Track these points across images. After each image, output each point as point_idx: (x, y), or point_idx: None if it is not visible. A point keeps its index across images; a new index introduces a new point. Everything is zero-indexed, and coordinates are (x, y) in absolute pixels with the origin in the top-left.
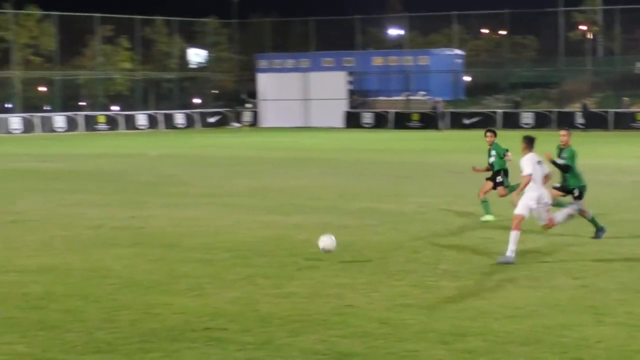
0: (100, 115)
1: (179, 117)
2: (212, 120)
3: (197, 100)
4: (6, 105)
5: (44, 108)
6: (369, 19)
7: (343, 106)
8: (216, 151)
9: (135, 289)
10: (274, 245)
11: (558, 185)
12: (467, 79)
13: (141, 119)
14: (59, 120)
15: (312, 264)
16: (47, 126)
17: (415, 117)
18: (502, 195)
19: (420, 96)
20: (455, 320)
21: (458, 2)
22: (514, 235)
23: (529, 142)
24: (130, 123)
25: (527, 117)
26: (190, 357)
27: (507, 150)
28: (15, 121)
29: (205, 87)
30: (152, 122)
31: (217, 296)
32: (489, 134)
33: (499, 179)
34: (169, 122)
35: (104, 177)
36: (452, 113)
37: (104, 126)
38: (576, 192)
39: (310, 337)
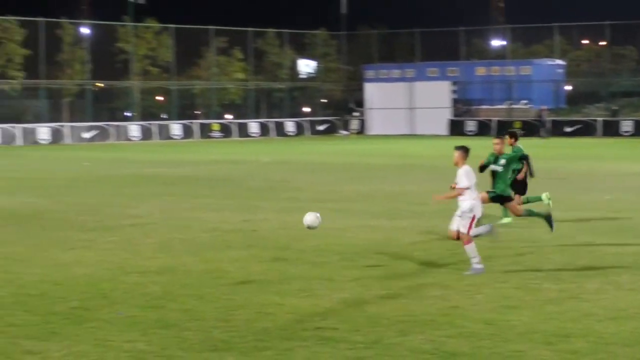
0: (215, 124)
1: (290, 125)
2: (321, 128)
3: (306, 109)
4: (126, 114)
5: (161, 116)
6: (472, 31)
7: (447, 114)
8: (325, 158)
9: (249, 289)
10: (382, 249)
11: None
12: (568, 88)
13: (253, 126)
14: (176, 128)
15: (418, 267)
16: (164, 134)
17: (518, 124)
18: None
19: (522, 105)
20: (558, 322)
21: (559, 14)
22: (469, 248)
23: (465, 152)
24: (243, 131)
25: (626, 125)
26: (302, 355)
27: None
28: (134, 129)
29: (315, 96)
30: (264, 129)
31: (328, 297)
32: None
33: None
34: (280, 130)
35: (218, 183)
36: (553, 121)
37: (218, 134)
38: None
39: (418, 337)
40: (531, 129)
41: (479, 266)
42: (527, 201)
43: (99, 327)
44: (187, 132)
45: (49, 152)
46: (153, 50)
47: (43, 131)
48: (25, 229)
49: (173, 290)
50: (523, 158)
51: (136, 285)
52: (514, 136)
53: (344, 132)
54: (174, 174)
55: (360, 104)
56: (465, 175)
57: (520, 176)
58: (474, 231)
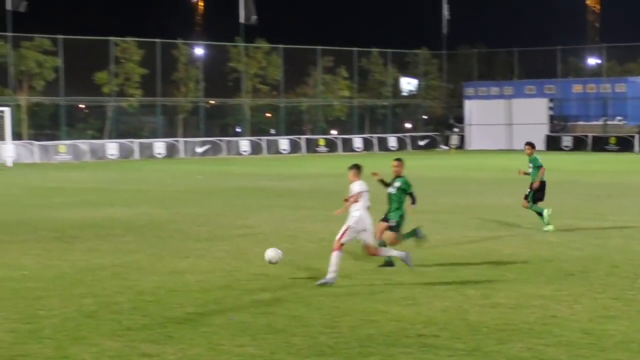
0: (321, 139)
1: (392, 140)
2: (422, 143)
3: (408, 125)
4: (237, 129)
5: (270, 132)
6: (569, 50)
7: (544, 130)
8: (426, 172)
9: (354, 297)
10: (482, 259)
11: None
12: None
13: (357, 142)
14: (284, 143)
15: (517, 277)
16: (273, 148)
17: (613, 140)
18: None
19: (617, 121)
20: None
21: None
22: (334, 256)
23: (358, 170)
24: (348, 146)
25: None
26: None
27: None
28: (244, 144)
29: (416, 112)
30: (367, 144)
31: (429, 305)
32: (526, 146)
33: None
34: (383, 145)
35: (323, 195)
36: None
37: (323, 148)
38: (393, 223)
39: (517, 345)
40: (625, 144)
41: (331, 276)
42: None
43: (212, 331)
44: (295, 147)
45: (165, 166)
46: (263, 69)
47: (159, 146)
48: (143, 238)
49: (281, 297)
50: (409, 193)
51: (246, 292)
52: (533, 147)
53: (444, 147)
54: (282, 187)
55: (460, 120)
56: (358, 186)
57: (535, 185)
58: (386, 251)
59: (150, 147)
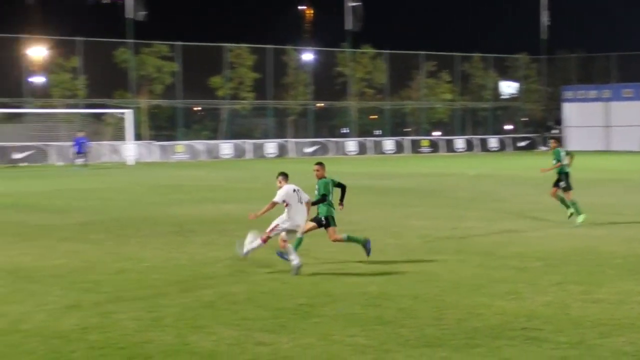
0: (424, 140)
1: (493, 142)
2: (522, 144)
3: (508, 127)
4: (343, 131)
5: (375, 133)
6: None
7: None
8: (526, 172)
9: (460, 291)
10: (582, 256)
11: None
12: None
13: (459, 143)
14: (388, 143)
15: (617, 273)
16: (378, 149)
17: None
18: (552, 195)
19: None
20: None
21: None
22: (288, 248)
23: (284, 177)
24: (450, 146)
25: None
26: (510, 353)
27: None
28: (351, 144)
29: (516, 115)
30: (469, 145)
31: (532, 300)
32: (552, 140)
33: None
34: (484, 146)
35: (427, 193)
36: None
37: (426, 149)
38: (323, 220)
39: (620, 339)
40: None
41: (296, 261)
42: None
43: (323, 322)
44: (399, 148)
45: (275, 165)
46: (369, 74)
47: (270, 146)
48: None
49: (389, 290)
50: (337, 185)
51: (355, 285)
52: (558, 141)
53: (544, 148)
54: (387, 186)
55: (558, 122)
56: (280, 193)
57: (543, 170)
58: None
59: (262, 147)
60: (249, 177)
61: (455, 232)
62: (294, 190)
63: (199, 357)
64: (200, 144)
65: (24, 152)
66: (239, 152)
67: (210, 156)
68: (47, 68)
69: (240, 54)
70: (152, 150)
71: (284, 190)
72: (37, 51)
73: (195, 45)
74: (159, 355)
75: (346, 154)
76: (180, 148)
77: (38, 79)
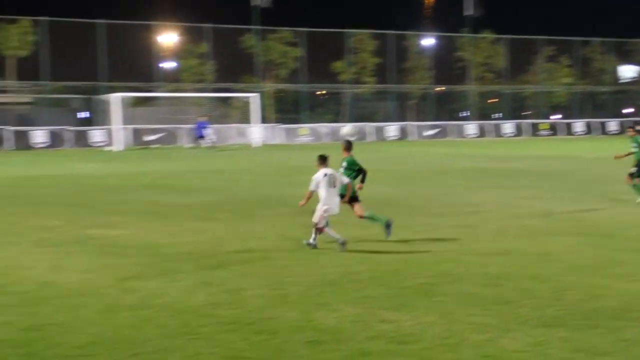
0: (543, 123)
1: (612, 125)
2: None
3: (628, 110)
4: (462, 114)
5: (494, 116)
6: None
7: None
8: None
9: (579, 272)
10: None
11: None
12: None
13: (578, 126)
14: (507, 126)
15: None
16: (497, 132)
17: None
18: (626, 182)
19: None
20: None
21: None
22: (327, 232)
23: (321, 161)
24: (569, 129)
25: None
26: (631, 334)
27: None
28: (470, 127)
29: (636, 98)
30: (588, 129)
31: None
32: (630, 129)
33: (632, 169)
34: (603, 129)
35: (546, 176)
36: None
37: (545, 132)
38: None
39: None
40: None
41: (341, 239)
42: None
43: (444, 301)
44: (518, 131)
45: (396, 148)
46: (488, 58)
47: (391, 129)
48: (379, 213)
49: (509, 270)
50: (360, 170)
51: (476, 265)
52: (636, 130)
53: None
54: (506, 168)
55: None
56: (311, 182)
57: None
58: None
59: (383, 130)
60: (371, 159)
61: (575, 214)
62: (325, 175)
63: (322, 333)
64: (323, 127)
65: (155, 134)
66: (361, 135)
67: (333, 138)
68: (177, 54)
69: (362, 40)
70: (277, 133)
71: (315, 178)
72: (168, 37)
73: (318, 31)
74: (285, 331)
75: (465, 137)
76: (304, 131)
77: (169, 64)
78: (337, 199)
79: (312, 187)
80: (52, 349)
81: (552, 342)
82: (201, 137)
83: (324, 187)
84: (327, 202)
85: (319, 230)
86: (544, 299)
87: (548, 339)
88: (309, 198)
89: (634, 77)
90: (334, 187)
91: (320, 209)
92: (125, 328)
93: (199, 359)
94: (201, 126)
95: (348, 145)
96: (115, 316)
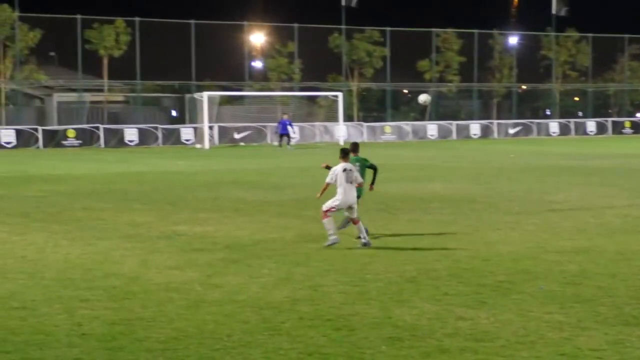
0: (627, 121)
1: None
2: None
3: None
4: (546, 112)
5: (578, 114)
6: None
7: None
8: None
9: None
10: None
11: None
12: None
13: None
14: (590, 125)
15: None
16: (580, 130)
17: None
18: None
19: None
20: None
21: None
22: (325, 222)
23: (343, 155)
24: None
25: None
26: None
27: None
28: (553, 125)
29: None
30: None
31: None
32: None
33: None
34: None
35: (629, 174)
36: None
37: (629, 130)
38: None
39: None
40: None
41: (333, 237)
42: None
43: (522, 299)
44: (601, 129)
45: (479, 146)
46: (572, 57)
47: (474, 127)
48: (459, 211)
49: (588, 268)
50: (369, 167)
51: (555, 263)
52: None
53: None
54: (589, 166)
55: None
56: (330, 174)
57: None
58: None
59: (466, 128)
60: (453, 156)
61: None
62: (344, 170)
63: (401, 330)
64: (407, 125)
65: (243, 132)
66: (444, 133)
67: (416, 137)
68: (266, 53)
69: (447, 39)
70: (361, 131)
71: (333, 171)
72: (257, 37)
73: (404, 31)
74: (364, 328)
75: (549, 135)
76: (389, 129)
77: (257, 64)
78: (354, 194)
79: (329, 180)
80: (137, 343)
81: (630, 341)
82: (284, 134)
83: (341, 181)
84: (341, 197)
85: (326, 216)
86: (623, 298)
87: (626, 337)
88: (324, 189)
89: None
90: (351, 182)
91: (332, 200)
92: (209, 323)
93: (279, 354)
94: (284, 124)
95: (354, 148)
96: (199, 311)
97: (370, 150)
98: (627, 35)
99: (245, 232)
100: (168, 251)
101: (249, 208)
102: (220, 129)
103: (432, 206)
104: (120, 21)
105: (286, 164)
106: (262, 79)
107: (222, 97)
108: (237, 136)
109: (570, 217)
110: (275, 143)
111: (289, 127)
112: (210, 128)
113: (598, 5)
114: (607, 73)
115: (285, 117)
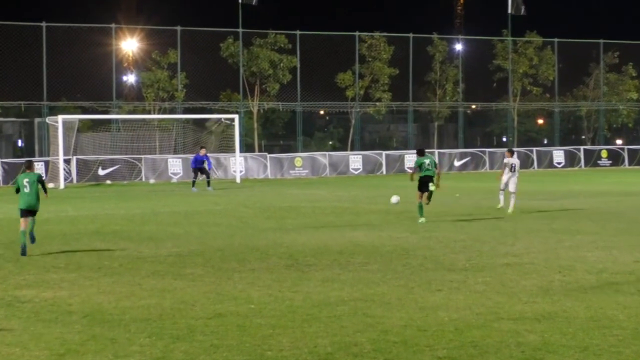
0: (603, 150)
1: None
2: None
3: None
4: (503, 139)
5: (542, 142)
6: None
7: None
8: None
9: None
10: None
11: None
12: None
13: None
14: (558, 155)
15: None
16: (545, 161)
17: None
18: None
19: None
20: None
21: None
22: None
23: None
24: (635, 158)
25: None
26: None
27: None
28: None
29: None
30: None
31: None
32: None
33: None
34: None
35: (606, 217)
36: None
37: (606, 161)
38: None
39: None
40: None
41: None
42: None
43: None
44: (571, 160)
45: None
46: (534, 68)
47: (409, 159)
48: (389, 267)
49: (552, 340)
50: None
51: (510, 333)
52: None
53: None
54: (555, 207)
55: None
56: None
57: None
58: None
59: (399, 160)
60: (382, 195)
61: (639, 265)
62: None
63: None
64: (324, 157)
65: (110, 167)
66: (372, 166)
67: (335, 171)
68: (140, 64)
69: (374, 45)
70: (264, 164)
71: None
72: (129, 44)
73: (318, 35)
74: None
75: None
76: (300, 162)
77: (128, 78)
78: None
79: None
80: None
81: None
82: (198, 169)
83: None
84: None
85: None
86: None
87: None
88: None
89: None
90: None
91: None
92: None
93: None
94: (200, 159)
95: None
96: None
97: (274, 189)
98: (602, 41)
99: (110, 297)
100: (7, 324)
101: (116, 266)
102: (80, 162)
103: (353, 261)
104: None
105: (166, 207)
106: (136, 97)
107: (82, 121)
108: (101, 172)
109: (531, 273)
110: (152, 181)
111: (205, 164)
112: (67, 162)
113: (565, 3)
114: (578, 88)
115: (202, 152)
